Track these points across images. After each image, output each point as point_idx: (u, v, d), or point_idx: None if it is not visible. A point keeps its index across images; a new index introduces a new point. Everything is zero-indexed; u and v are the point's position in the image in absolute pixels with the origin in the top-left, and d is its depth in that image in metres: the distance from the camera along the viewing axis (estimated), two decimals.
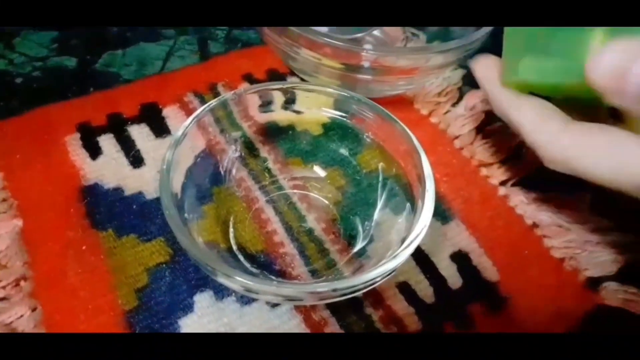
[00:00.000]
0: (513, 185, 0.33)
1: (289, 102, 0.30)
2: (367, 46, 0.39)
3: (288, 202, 0.31)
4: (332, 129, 0.32)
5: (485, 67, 0.26)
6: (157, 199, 0.30)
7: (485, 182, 0.34)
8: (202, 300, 0.27)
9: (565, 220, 0.31)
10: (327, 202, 0.31)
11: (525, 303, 0.28)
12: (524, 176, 0.33)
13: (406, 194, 0.27)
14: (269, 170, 0.32)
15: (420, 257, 0.29)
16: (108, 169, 0.32)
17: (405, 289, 0.28)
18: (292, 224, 0.30)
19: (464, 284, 0.29)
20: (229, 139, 0.30)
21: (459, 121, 0.36)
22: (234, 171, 0.31)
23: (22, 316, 0.26)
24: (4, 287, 0.26)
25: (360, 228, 0.29)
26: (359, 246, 0.29)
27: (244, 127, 0.31)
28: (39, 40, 0.41)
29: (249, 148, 0.32)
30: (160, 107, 0.36)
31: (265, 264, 0.28)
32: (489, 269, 0.29)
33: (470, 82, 0.39)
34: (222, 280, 0.22)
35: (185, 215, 0.25)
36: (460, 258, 0.30)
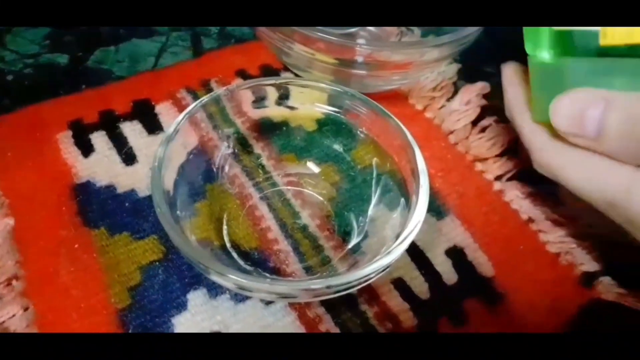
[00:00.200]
0: (508, 180, 0.33)
1: (283, 97, 0.30)
2: (361, 41, 0.39)
3: (282, 198, 0.31)
4: (326, 124, 0.31)
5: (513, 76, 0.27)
6: (150, 197, 0.30)
7: (481, 177, 0.33)
8: (196, 298, 0.27)
9: (560, 215, 0.31)
10: (321, 198, 0.31)
11: (520, 298, 0.28)
12: (519, 171, 0.33)
13: (400, 190, 0.27)
14: (262, 167, 0.32)
15: (415, 252, 0.29)
16: (100, 166, 0.32)
17: (400, 285, 0.28)
18: (287, 221, 0.30)
19: (459, 279, 0.29)
20: (222, 135, 0.30)
21: (454, 116, 0.36)
22: (227, 168, 0.31)
23: (14, 316, 0.25)
24: None
25: (354, 224, 0.29)
26: (353, 242, 0.29)
27: (237, 123, 0.31)
28: (31, 37, 0.40)
29: (242, 144, 0.32)
30: (153, 103, 0.35)
31: (259, 261, 0.28)
32: (484, 265, 0.29)
33: (465, 76, 0.39)
34: (215, 278, 0.22)
35: (178, 212, 0.25)
36: (456, 253, 0.30)
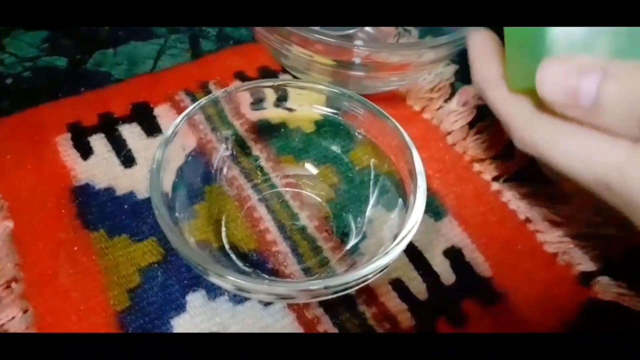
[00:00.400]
0: (506, 180, 0.33)
1: (281, 99, 0.30)
2: (359, 42, 0.39)
3: (280, 200, 0.31)
4: (324, 126, 0.31)
5: (481, 46, 0.25)
6: (149, 199, 0.30)
7: (478, 178, 0.33)
8: (195, 300, 0.27)
9: (558, 215, 0.31)
10: (319, 199, 0.31)
11: (518, 298, 0.28)
12: (516, 171, 0.33)
13: (398, 191, 0.27)
14: (261, 169, 0.32)
15: (413, 253, 0.29)
16: (99, 169, 0.32)
17: (398, 285, 0.28)
18: (285, 222, 0.30)
19: (457, 279, 0.29)
20: (221, 137, 0.30)
21: (452, 117, 0.36)
22: (225, 170, 0.31)
23: (13, 318, 0.25)
24: None
25: (352, 225, 0.29)
26: (351, 243, 0.29)
27: (235, 125, 0.31)
28: (29, 40, 0.40)
29: (241, 146, 0.32)
30: (152, 106, 0.36)
31: (258, 263, 0.28)
32: (482, 265, 0.29)
33: (462, 77, 0.39)
34: (214, 280, 0.22)
35: (177, 214, 0.25)
36: (454, 254, 0.30)
